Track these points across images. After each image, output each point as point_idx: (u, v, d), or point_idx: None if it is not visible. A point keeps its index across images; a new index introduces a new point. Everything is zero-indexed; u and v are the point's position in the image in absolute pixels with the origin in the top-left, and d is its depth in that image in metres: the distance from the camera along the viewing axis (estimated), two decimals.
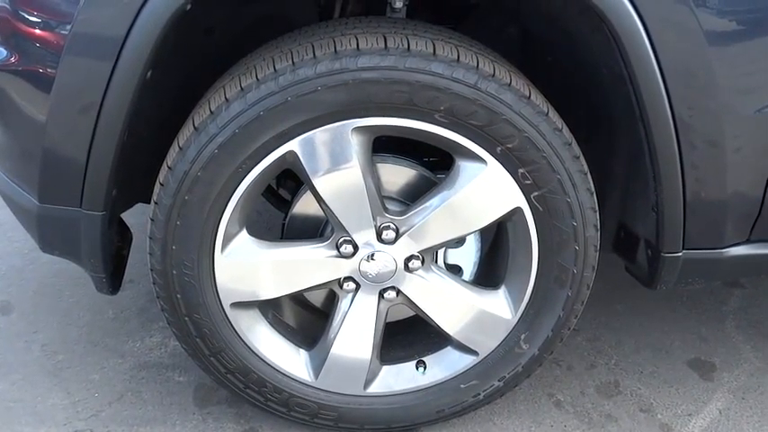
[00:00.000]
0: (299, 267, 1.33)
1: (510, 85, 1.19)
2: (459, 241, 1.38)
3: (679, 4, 1.14)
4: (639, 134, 1.27)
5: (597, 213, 1.32)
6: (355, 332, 1.38)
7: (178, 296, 1.30)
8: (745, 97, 1.24)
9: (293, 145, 1.20)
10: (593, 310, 1.93)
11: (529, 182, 1.25)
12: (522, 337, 1.40)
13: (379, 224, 1.29)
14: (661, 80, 1.17)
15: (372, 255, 1.31)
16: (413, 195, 1.35)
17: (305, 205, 1.36)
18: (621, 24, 1.14)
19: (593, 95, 1.44)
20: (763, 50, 1.21)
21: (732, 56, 1.21)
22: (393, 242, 1.30)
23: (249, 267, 1.31)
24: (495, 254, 1.43)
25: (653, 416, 1.63)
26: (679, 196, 1.29)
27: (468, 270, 1.42)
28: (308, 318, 1.51)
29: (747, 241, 1.42)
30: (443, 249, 1.40)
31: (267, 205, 1.79)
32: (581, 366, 1.76)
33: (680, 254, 1.38)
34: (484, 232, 1.38)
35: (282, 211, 1.57)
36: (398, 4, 1.35)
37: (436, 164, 1.42)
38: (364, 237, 1.30)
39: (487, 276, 1.44)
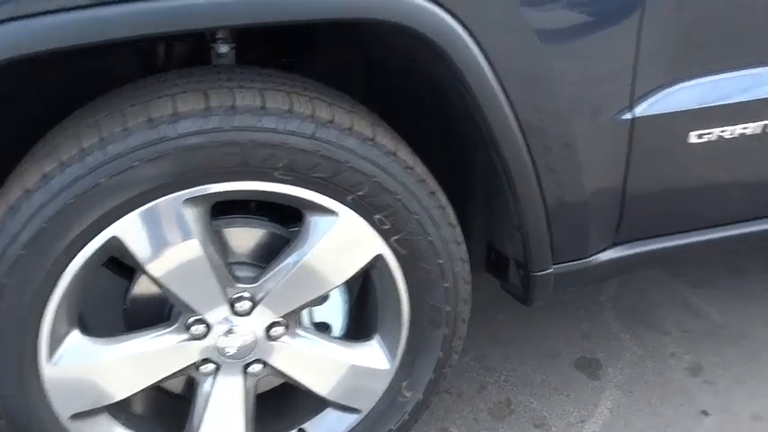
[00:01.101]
0: (147, 360, 1.20)
1: (351, 129, 1.12)
2: (324, 298, 1.31)
3: (508, 11, 1.11)
4: (491, 153, 1.25)
5: (463, 245, 1.29)
6: (222, 415, 1.27)
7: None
8: (597, 104, 1.24)
9: (115, 230, 1.07)
10: (476, 326, 1.91)
11: (387, 227, 1.19)
12: (404, 384, 1.35)
13: (231, 296, 1.19)
14: (504, 99, 1.14)
15: (229, 330, 1.21)
16: (268, 256, 1.26)
17: (144, 287, 1.23)
18: (447, 42, 1.08)
19: (445, 117, 1.40)
20: (609, 55, 1.21)
21: (577, 60, 1.19)
22: (250, 312, 1.20)
23: (87, 370, 1.17)
24: (365, 302, 1.37)
25: (547, 430, 1.64)
26: (541, 214, 1.28)
27: (338, 325, 1.35)
28: (171, 403, 1.38)
29: (614, 245, 1.44)
30: (308, 309, 1.32)
31: None
32: (471, 390, 1.75)
33: (550, 270, 1.39)
34: (350, 282, 1.31)
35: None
36: (224, 49, 1.25)
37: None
38: (216, 313, 1.19)
39: (360, 327, 1.38)
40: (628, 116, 1.23)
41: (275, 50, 1.49)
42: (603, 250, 1.43)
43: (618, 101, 1.22)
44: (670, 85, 1.23)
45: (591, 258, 1.42)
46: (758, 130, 1.30)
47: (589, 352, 1.88)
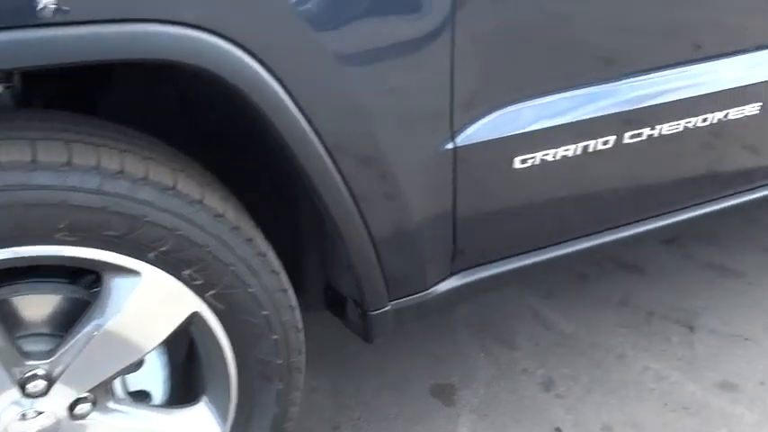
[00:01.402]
0: None
1: (147, 178, 1.00)
2: (137, 364, 1.17)
3: (308, 46, 1.02)
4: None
5: (290, 292, 1.21)
6: None
7: None
8: (416, 136, 1.19)
9: None
10: (327, 358, 1.85)
11: (199, 282, 1.08)
12: None
13: (20, 376, 1.03)
14: (315, 137, 1.06)
15: (23, 415, 1.05)
16: (68, 325, 1.11)
17: None
18: (244, 83, 0.99)
19: (266, 154, 1.31)
20: (423, 84, 1.16)
21: (390, 92, 1.13)
22: (46, 392, 1.05)
23: None
24: (190, 363, 1.25)
25: None
26: (369, 253, 1.22)
27: (159, 391, 1.22)
28: None
29: (452, 274, 1.41)
30: (121, 378, 1.18)
31: None
32: None
33: (387, 307, 1.33)
34: (168, 344, 1.19)
35: None
36: None
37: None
38: (4, 397, 1.03)
39: (186, 390, 1.25)
40: (449, 146, 1.19)
41: (71, 87, 1.34)
42: (442, 280, 1.39)
43: (437, 131, 1.18)
44: (489, 112, 1.21)
45: (430, 290, 1.38)
46: (579, 152, 1.31)
47: (444, 377, 1.85)
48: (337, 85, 1.05)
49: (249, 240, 1.12)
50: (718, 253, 2.33)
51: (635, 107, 1.33)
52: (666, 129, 1.38)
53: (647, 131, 1.36)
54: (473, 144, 1.20)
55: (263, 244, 1.15)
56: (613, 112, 1.31)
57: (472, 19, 1.10)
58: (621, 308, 2.09)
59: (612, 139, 1.33)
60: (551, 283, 2.18)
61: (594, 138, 1.31)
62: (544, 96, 1.24)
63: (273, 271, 1.16)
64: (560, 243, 1.47)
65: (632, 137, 1.35)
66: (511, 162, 1.26)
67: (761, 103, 1.49)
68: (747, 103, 1.48)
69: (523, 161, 1.26)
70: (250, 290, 1.13)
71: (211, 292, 1.10)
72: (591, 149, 1.32)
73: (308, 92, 1.02)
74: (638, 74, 1.32)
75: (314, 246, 1.37)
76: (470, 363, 1.89)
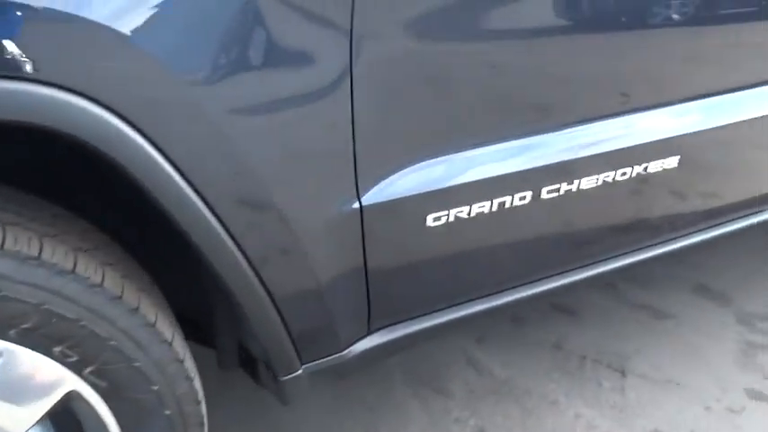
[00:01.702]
0: None
1: (2, 247, 0.82)
2: None
3: (193, 118, 0.85)
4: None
5: (187, 362, 1.02)
6: None
7: None
8: (319, 198, 1.02)
9: None
10: (250, 415, 1.65)
11: (73, 359, 0.90)
12: None
13: None
14: (204, 207, 0.89)
15: None
16: None
17: None
18: (110, 146, 0.81)
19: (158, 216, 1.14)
20: (324, 144, 0.99)
21: (289, 156, 0.96)
22: None
23: None
24: None
25: None
26: (274, 320, 1.04)
27: None
28: None
29: (369, 333, 1.24)
30: None
31: None
32: None
33: (299, 371, 1.15)
34: (58, 423, 0.99)
35: None
36: None
37: None
38: None
39: None
40: (355, 205, 1.03)
41: None
42: (360, 340, 1.22)
43: (340, 190, 1.02)
44: (395, 170, 1.05)
45: (347, 351, 1.21)
46: (495, 208, 1.15)
47: (373, 428, 1.66)
48: (221, 146, 0.88)
49: (133, 310, 0.94)
50: (648, 294, 2.19)
51: (551, 162, 1.18)
52: (585, 183, 1.24)
53: (564, 186, 1.21)
54: (381, 203, 1.04)
55: (150, 314, 0.97)
56: (528, 167, 1.16)
57: (371, 74, 0.95)
58: (555, 351, 1.93)
59: (529, 194, 1.18)
60: (485, 326, 2.01)
61: (510, 194, 1.16)
62: (454, 153, 1.09)
63: (165, 341, 0.98)
64: (482, 297, 1.31)
65: (550, 192, 1.20)
66: (423, 220, 1.10)
67: (678, 156, 1.36)
68: (666, 156, 1.34)
69: (437, 219, 1.11)
70: (136, 364, 0.94)
71: (89, 369, 0.92)
72: (507, 205, 1.17)
73: (187, 153, 0.85)
74: (552, 129, 1.18)
75: (223, 307, 1.19)
76: (403, 412, 1.71)
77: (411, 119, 1.03)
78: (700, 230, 1.60)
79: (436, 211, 1.10)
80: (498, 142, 1.12)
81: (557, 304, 2.12)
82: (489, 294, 1.32)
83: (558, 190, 1.20)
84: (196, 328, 1.33)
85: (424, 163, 1.06)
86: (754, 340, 2.01)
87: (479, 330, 1.99)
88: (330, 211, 1.01)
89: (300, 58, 0.90)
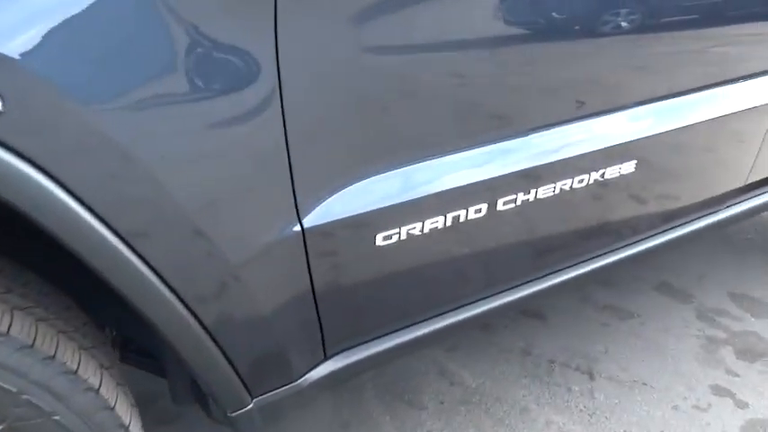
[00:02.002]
0: None
1: None
2: None
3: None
4: None
5: (119, 408, 0.86)
6: None
7: None
8: (255, 226, 0.85)
9: None
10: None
11: None
12: None
13: None
14: (124, 247, 0.73)
15: None
16: None
17: None
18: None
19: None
20: (258, 168, 0.82)
21: (219, 180, 0.80)
22: None
23: None
24: None
25: None
26: (216, 356, 0.88)
27: None
28: None
29: (326, 358, 1.08)
30: None
31: None
32: None
33: (251, 405, 0.98)
34: None
35: None
36: None
37: None
38: None
39: None
40: (296, 229, 0.87)
41: None
42: (315, 367, 1.06)
43: (281, 215, 0.85)
44: (337, 189, 0.89)
45: (302, 379, 1.04)
46: (449, 223, 1.00)
47: None
48: (137, 178, 0.72)
49: (48, 359, 0.77)
50: (613, 294, 2.05)
51: (506, 173, 1.03)
52: (542, 192, 1.09)
53: (521, 196, 1.06)
54: (324, 224, 0.88)
55: (72, 360, 0.80)
56: (482, 179, 1.00)
57: (302, 93, 0.80)
58: (524, 357, 1.78)
59: (484, 206, 1.03)
60: (455, 335, 1.85)
61: (464, 207, 1.00)
62: (400, 168, 0.93)
63: (90, 389, 0.81)
64: (444, 313, 1.16)
65: (506, 203, 1.05)
66: (372, 239, 0.95)
67: (635, 161, 1.22)
68: (623, 161, 1.20)
69: (387, 237, 0.95)
70: (55, 417, 0.78)
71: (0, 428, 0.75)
72: (462, 219, 1.01)
73: (95, 187, 0.68)
74: (502, 138, 1.03)
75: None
76: (376, 426, 1.55)
77: (349, 136, 0.87)
78: (661, 233, 1.46)
79: (386, 230, 0.94)
80: (448, 154, 0.96)
81: (524, 309, 1.96)
82: (451, 310, 1.17)
83: (514, 201, 1.05)
84: (152, 357, 1.17)
85: (368, 180, 0.90)
86: (714, 335, 1.87)
87: (451, 338, 1.83)
88: (269, 236, 0.85)
89: (227, 83, 0.74)
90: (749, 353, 1.80)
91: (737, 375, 1.71)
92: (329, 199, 0.88)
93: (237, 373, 0.92)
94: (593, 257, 1.36)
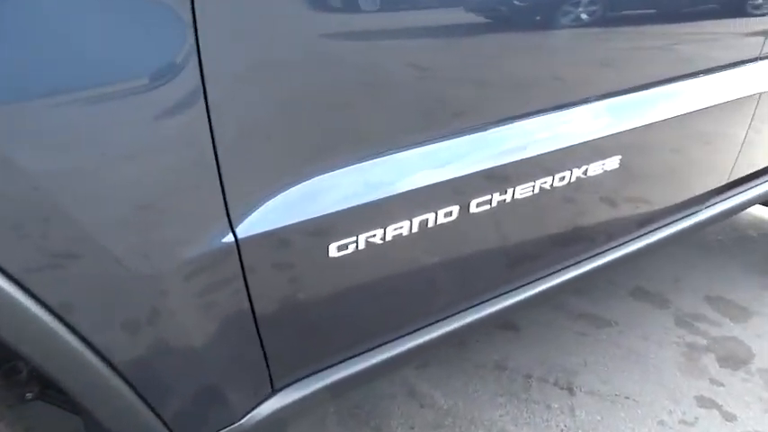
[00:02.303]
0: None
1: None
2: None
3: None
4: None
5: None
6: None
7: None
8: (176, 240, 0.70)
9: None
10: None
11: None
12: None
13: None
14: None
15: None
16: None
17: None
18: None
19: None
20: (181, 171, 0.67)
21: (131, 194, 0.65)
22: None
23: None
24: None
25: None
26: (134, 406, 0.71)
27: None
28: None
29: (274, 392, 0.91)
30: None
31: None
32: None
33: None
34: None
35: None
36: None
37: None
38: None
39: None
40: (227, 239, 0.70)
41: None
42: (261, 403, 0.89)
43: (206, 226, 0.68)
44: (278, 191, 0.72)
45: (245, 419, 0.87)
46: (416, 228, 0.85)
47: None
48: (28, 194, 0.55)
49: None
50: (586, 302, 1.93)
51: (477, 170, 0.89)
52: (521, 192, 0.95)
53: (496, 197, 0.92)
54: (263, 234, 0.72)
55: None
56: (450, 177, 0.86)
57: (229, 84, 0.64)
58: (499, 372, 1.64)
59: (456, 209, 0.88)
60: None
61: (432, 210, 0.85)
62: (354, 165, 0.77)
63: None
64: (411, 333, 1.00)
65: (480, 205, 0.90)
66: (324, 250, 0.78)
67: (619, 156, 1.09)
68: (604, 157, 1.07)
69: (342, 247, 0.79)
70: None
71: None
72: (431, 224, 0.86)
73: None
74: (471, 130, 0.88)
75: None
76: None
77: (292, 130, 0.71)
78: (643, 235, 1.34)
79: (341, 238, 0.78)
80: (410, 149, 0.81)
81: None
82: (419, 329, 1.01)
83: (489, 202, 0.91)
84: None
85: (316, 180, 0.74)
86: (695, 342, 1.77)
87: (418, 360, 1.68)
88: (193, 251, 0.68)
89: (135, 74, 0.58)
90: (731, 360, 1.70)
91: (722, 385, 1.60)
92: (269, 203, 0.71)
93: (162, 419, 0.75)
94: (574, 264, 1.23)
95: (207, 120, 0.64)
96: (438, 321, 1.04)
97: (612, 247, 1.31)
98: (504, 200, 0.93)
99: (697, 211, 1.49)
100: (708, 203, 1.49)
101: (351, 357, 0.94)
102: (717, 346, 1.76)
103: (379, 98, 0.76)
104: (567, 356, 1.69)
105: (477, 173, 0.89)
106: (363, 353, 0.95)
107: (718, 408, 1.53)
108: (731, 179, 1.47)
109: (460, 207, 0.88)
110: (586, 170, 1.05)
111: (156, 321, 0.68)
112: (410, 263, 0.90)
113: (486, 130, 0.90)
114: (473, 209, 0.90)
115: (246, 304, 0.76)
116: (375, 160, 0.77)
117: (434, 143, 0.84)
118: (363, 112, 0.75)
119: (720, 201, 1.51)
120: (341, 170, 0.76)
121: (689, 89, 1.29)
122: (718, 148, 1.41)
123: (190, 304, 0.70)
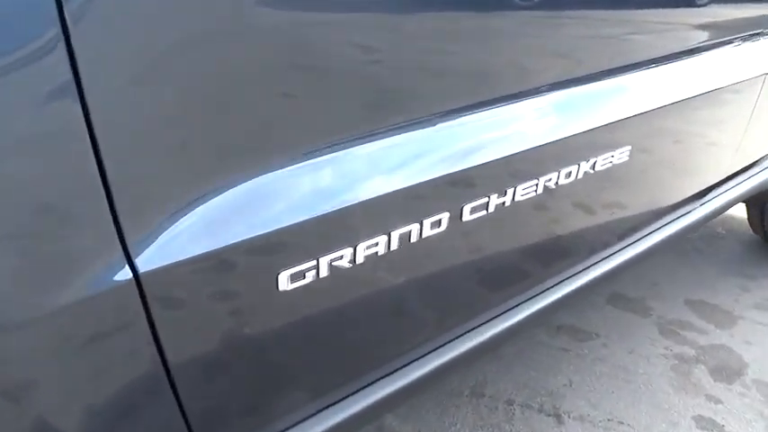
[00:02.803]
0: None
1: None
2: None
3: None
4: None
5: None
6: None
7: None
8: (56, 281, 0.45)
9: None
10: None
11: None
12: None
13: None
14: None
15: None
16: None
17: None
18: None
19: None
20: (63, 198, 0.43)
21: None
22: None
23: None
24: None
25: None
26: None
27: None
28: None
29: None
30: None
31: None
32: None
33: None
34: None
35: None
36: None
37: None
38: None
39: None
40: (123, 276, 0.46)
41: None
42: None
43: (96, 257, 0.45)
44: (195, 205, 0.48)
45: None
46: (395, 245, 0.63)
47: None
48: None
49: None
50: (564, 313, 1.76)
51: (464, 168, 0.67)
52: (522, 193, 0.74)
53: (494, 199, 0.71)
54: (176, 265, 0.48)
55: None
56: (440, 174, 0.64)
57: (114, 87, 0.42)
58: (477, 400, 1.44)
59: (446, 216, 0.66)
60: None
61: (418, 219, 0.63)
62: (296, 165, 0.54)
63: None
64: (379, 380, 0.78)
65: (473, 210, 0.69)
66: (273, 281, 0.55)
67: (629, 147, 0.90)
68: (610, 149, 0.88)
69: (296, 276, 0.56)
70: None
71: None
72: (414, 238, 0.65)
73: None
74: (450, 114, 0.67)
75: None
76: None
77: (204, 130, 0.48)
78: (631, 243, 1.17)
79: (294, 264, 0.55)
80: (366, 141, 0.58)
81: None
82: (389, 374, 0.79)
83: (486, 206, 0.70)
84: None
85: (250, 185, 0.51)
86: (683, 353, 1.62)
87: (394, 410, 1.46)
88: (71, 294, 0.44)
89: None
90: (724, 371, 1.56)
91: (720, 402, 1.45)
92: (182, 223, 0.47)
93: None
94: (570, 277, 1.04)
95: (85, 125, 0.41)
96: (415, 361, 0.82)
97: (602, 259, 1.13)
98: (504, 202, 0.72)
99: (692, 210, 1.33)
100: (703, 200, 1.34)
101: (304, 419, 0.70)
102: (707, 356, 1.61)
103: (312, 83, 0.53)
104: (550, 377, 1.51)
105: (464, 171, 0.68)
106: (323, 409, 0.72)
107: (720, 429, 1.37)
108: (732, 171, 1.32)
109: (450, 214, 0.67)
110: (594, 163, 0.85)
111: (31, 393, 0.44)
112: (388, 289, 0.67)
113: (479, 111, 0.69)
114: (467, 216, 0.68)
115: (156, 358, 0.52)
116: (323, 157, 0.55)
117: (400, 133, 0.62)
118: (297, 101, 0.53)
119: (716, 196, 1.37)
120: (288, 168, 0.53)
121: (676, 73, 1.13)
122: (720, 135, 1.25)
123: (73, 365, 0.46)
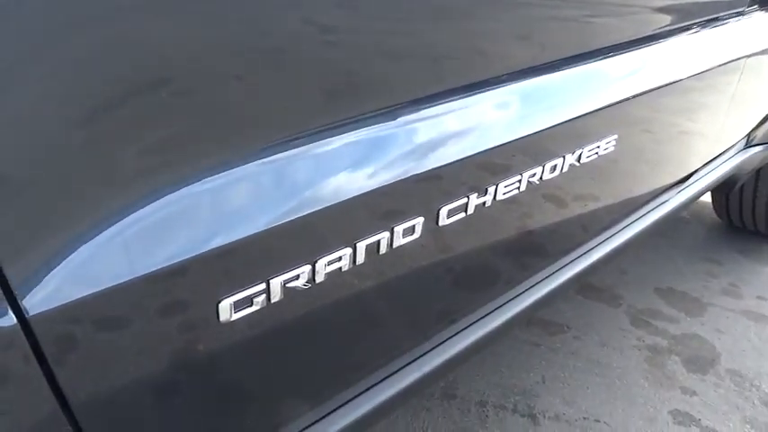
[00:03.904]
0: None
1: None
2: None
3: None
4: None
5: None
6: None
7: None
8: None
9: None
10: None
11: None
12: None
13: None
14: None
15: None
16: None
17: None
18: None
19: None
20: None
21: None
22: None
23: None
24: None
25: None
26: None
27: None
28: None
29: None
30: None
31: None
32: None
33: None
34: None
35: None
36: None
37: None
38: None
39: None
40: (6, 323, 0.36)
41: None
42: None
43: None
44: (100, 228, 0.37)
45: None
46: (362, 258, 0.53)
47: None
48: None
49: None
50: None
51: (441, 164, 0.58)
52: (504, 190, 0.65)
53: (474, 199, 0.62)
54: (75, 304, 0.37)
55: None
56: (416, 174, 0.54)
57: None
58: (448, 402, 1.36)
59: (420, 222, 0.57)
60: None
61: (384, 229, 0.54)
62: (235, 167, 0.43)
63: None
64: (342, 405, 0.68)
65: (451, 213, 0.60)
66: (213, 311, 0.45)
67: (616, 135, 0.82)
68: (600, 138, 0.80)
69: (240, 304, 0.46)
70: None
71: None
72: (384, 249, 0.55)
73: None
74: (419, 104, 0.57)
75: None
76: None
77: (108, 128, 0.36)
78: (621, 230, 1.10)
79: (237, 290, 0.45)
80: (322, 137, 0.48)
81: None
82: (353, 398, 0.69)
83: (465, 208, 0.60)
84: None
85: (167, 199, 0.40)
86: (656, 344, 1.58)
87: None
88: None
89: None
90: (698, 362, 1.52)
91: (695, 393, 1.42)
92: (82, 252, 0.36)
93: None
94: (556, 272, 0.96)
95: None
96: (381, 382, 0.73)
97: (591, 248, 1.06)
98: (484, 202, 0.63)
99: (671, 198, 1.27)
100: (681, 187, 1.29)
101: None
102: (679, 346, 1.58)
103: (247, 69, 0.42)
104: (522, 374, 1.45)
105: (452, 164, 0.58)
106: None
107: (697, 423, 1.33)
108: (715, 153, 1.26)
109: (425, 219, 0.57)
110: (580, 155, 0.77)
111: None
112: (352, 310, 0.57)
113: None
114: (444, 220, 0.59)
115: (59, 414, 0.41)
116: (264, 161, 0.44)
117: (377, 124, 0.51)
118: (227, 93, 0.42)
119: (695, 181, 1.31)
120: (227, 171, 0.42)
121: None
122: (704, 117, 1.19)
123: None
